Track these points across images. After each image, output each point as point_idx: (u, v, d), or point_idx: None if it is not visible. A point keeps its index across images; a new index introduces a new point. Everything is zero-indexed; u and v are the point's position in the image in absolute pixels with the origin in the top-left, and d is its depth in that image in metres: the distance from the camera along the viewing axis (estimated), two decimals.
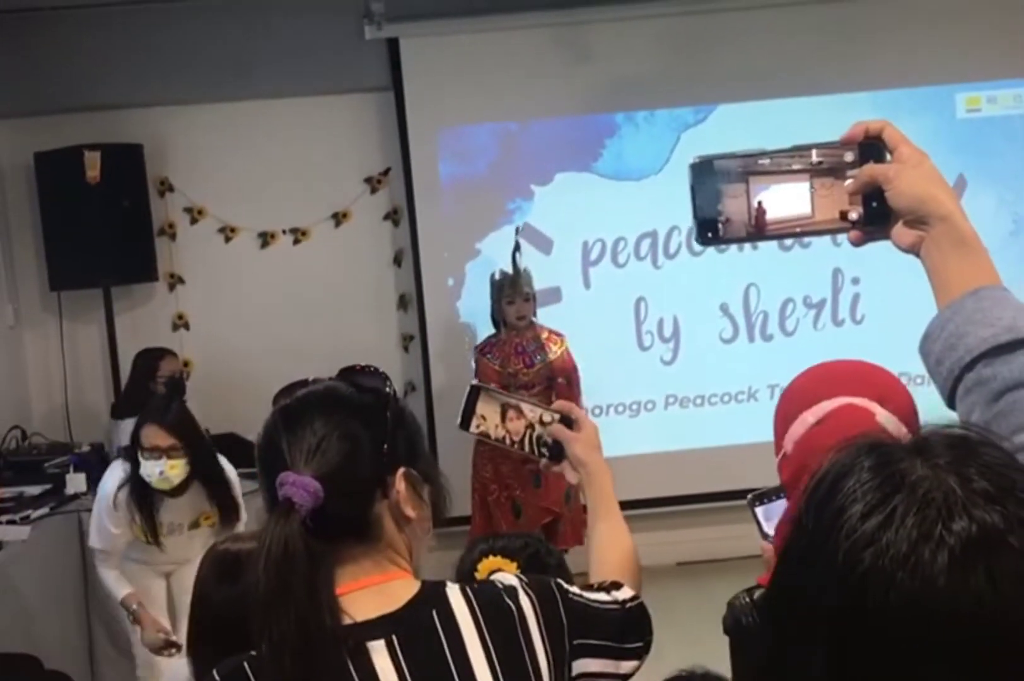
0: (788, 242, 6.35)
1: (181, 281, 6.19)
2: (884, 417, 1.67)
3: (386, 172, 6.28)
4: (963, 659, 0.71)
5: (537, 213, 6.29)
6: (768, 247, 6.30)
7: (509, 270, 5.59)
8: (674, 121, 6.35)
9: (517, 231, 5.84)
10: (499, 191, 6.28)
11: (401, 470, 1.50)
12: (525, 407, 1.81)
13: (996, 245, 7.27)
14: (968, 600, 0.72)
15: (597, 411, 6.35)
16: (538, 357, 5.55)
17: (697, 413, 6.35)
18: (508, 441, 1.81)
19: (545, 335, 5.63)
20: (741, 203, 1.27)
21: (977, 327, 1.16)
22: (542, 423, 1.80)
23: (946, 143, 6.42)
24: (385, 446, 1.49)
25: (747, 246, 6.33)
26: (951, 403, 1.19)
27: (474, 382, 1.84)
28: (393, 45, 6.19)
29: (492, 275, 5.67)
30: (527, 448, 1.81)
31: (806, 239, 6.35)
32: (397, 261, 6.32)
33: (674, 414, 6.38)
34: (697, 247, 6.35)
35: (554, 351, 5.59)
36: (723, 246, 1.41)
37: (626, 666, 1.57)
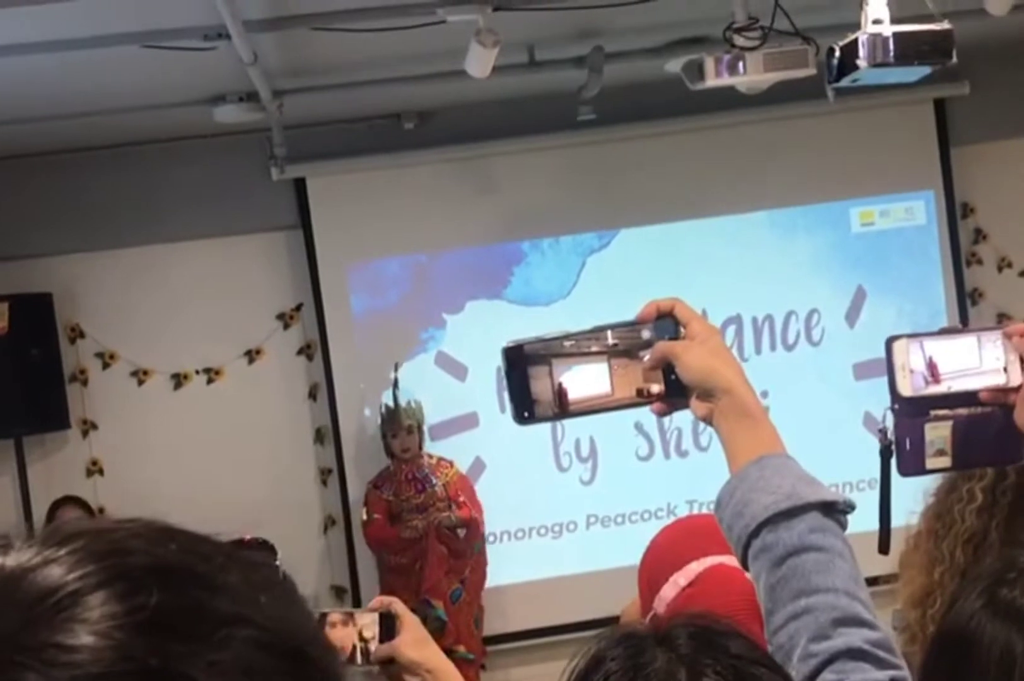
0: None
1: (94, 427, 6.17)
2: None
3: (298, 308, 6.37)
4: None
5: (450, 341, 6.39)
6: None
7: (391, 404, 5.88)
8: (579, 247, 6.51)
9: (396, 368, 5.98)
10: (412, 321, 6.38)
11: None
12: (338, 616, 1.70)
13: None
14: None
15: (520, 534, 6.38)
16: (433, 479, 5.85)
17: (618, 531, 6.38)
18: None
19: (434, 462, 5.94)
20: (546, 384, 1.35)
21: (760, 495, 1.24)
22: (362, 638, 1.68)
23: (844, 256, 6.65)
24: None
25: None
26: (745, 567, 1.26)
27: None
28: (300, 184, 6.32)
29: (380, 407, 5.92)
30: (359, 660, 1.68)
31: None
32: (312, 395, 6.36)
33: (596, 534, 6.41)
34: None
35: (446, 475, 5.90)
36: (538, 425, 1.44)
37: None
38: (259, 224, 6.31)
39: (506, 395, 1.39)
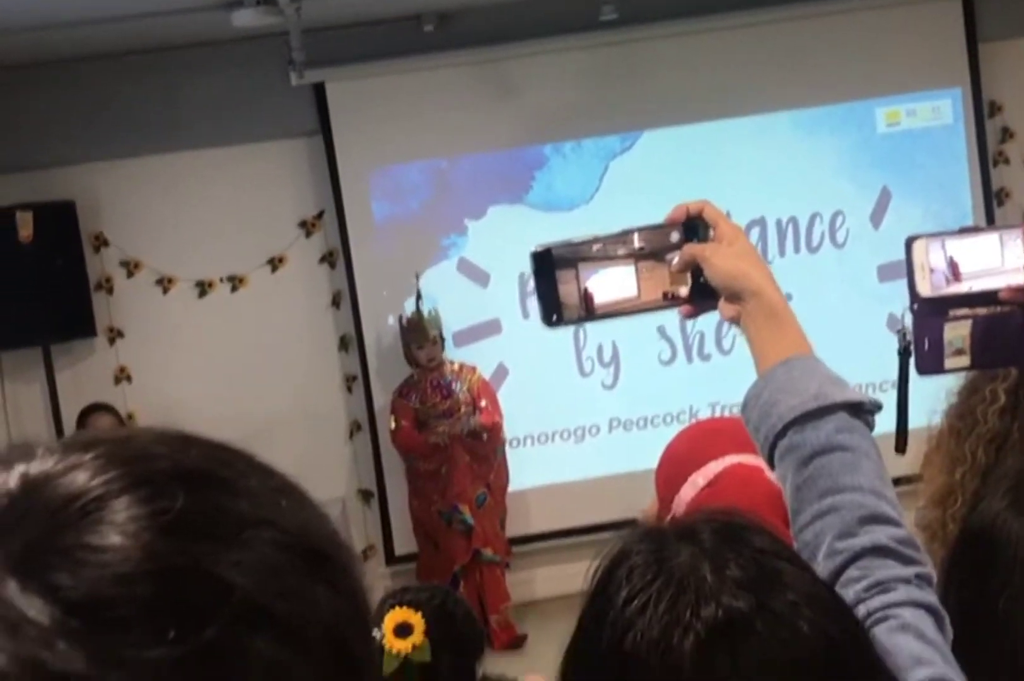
0: None
1: (121, 335, 6.21)
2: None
3: (320, 215, 6.35)
4: None
5: (472, 247, 6.37)
6: None
7: (413, 315, 5.91)
8: (601, 150, 6.45)
9: (417, 277, 5.99)
10: (433, 228, 6.37)
11: None
12: None
13: None
14: None
15: (543, 438, 6.44)
16: (456, 385, 5.91)
17: (640, 435, 6.43)
18: None
19: (457, 368, 5.98)
20: (572, 288, 1.36)
21: (787, 396, 1.25)
22: None
23: (869, 157, 6.57)
24: None
25: None
26: (772, 467, 1.28)
27: None
28: (320, 90, 6.26)
29: (400, 318, 5.97)
30: None
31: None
32: (335, 303, 6.37)
33: (618, 437, 6.47)
34: None
35: (469, 381, 5.95)
36: (566, 327, 1.47)
37: None
38: (279, 131, 6.27)
39: (530, 301, 1.40)
